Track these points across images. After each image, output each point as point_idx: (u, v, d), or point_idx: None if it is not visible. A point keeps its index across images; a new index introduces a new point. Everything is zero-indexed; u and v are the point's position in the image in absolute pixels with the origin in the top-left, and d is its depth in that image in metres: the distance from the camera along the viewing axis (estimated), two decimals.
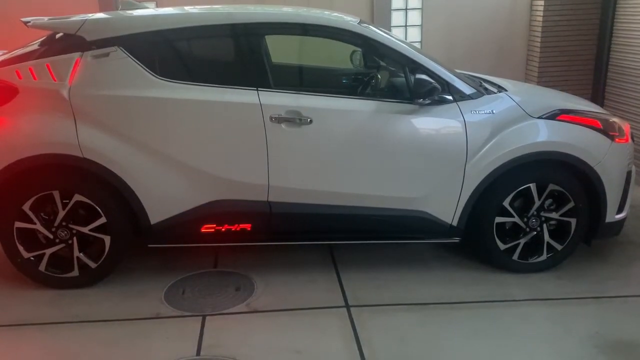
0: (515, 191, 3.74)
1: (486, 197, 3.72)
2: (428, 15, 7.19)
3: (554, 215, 3.83)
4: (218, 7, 4.07)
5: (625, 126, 3.99)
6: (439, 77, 3.64)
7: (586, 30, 6.89)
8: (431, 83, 3.59)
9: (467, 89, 3.69)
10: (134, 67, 3.48)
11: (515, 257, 3.87)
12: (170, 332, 3.31)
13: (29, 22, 3.55)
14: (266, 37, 3.88)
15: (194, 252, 4.00)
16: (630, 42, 6.33)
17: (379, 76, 4.02)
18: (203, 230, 3.68)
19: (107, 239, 3.66)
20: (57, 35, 3.65)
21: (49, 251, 3.66)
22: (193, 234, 3.70)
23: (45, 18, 3.70)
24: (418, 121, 3.63)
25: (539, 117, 3.72)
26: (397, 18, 7.18)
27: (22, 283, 3.76)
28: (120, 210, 3.64)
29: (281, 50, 4.60)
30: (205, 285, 3.81)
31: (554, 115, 3.76)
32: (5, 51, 3.86)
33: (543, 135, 3.70)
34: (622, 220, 3.98)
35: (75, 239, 3.64)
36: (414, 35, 7.25)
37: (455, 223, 3.76)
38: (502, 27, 7.24)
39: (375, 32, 3.76)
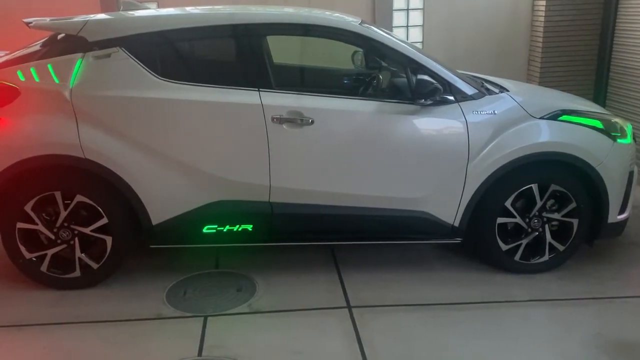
0: (517, 192, 3.73)
1: (488, 197, 3.71)
2: (429, 15, 7.18)
3: (556, 215, 3.82)
4: (219, 8, 4.07)
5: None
6: (441, 77, 3.64)
7: (588, 31, 6.88)
8: (433, 83, 3.58)
9: (468, 90, 3.69)
10: (136, 67, 3.48)
11: (517, 257, 3.87)
12: (172, 333, 3.31)
13: (31, 22, 3.55)
14: (268, 37, 3.89)
15: (196, 252, 4.00)
16: (632, 42, 6.32)
17: (381, 77, 4.01)
18: (205, 231, 3.68)
19: (109, 240, 3.66)
20: (59, 36, 3.66)
21: (50, 252, 3.66)
22: (195, 234, 3.70)
23: (47, 19, 3.71)
24: (420, 122, 3.62)
25: (540, 118, 3.72)
26: (398, 18, 7.18)
27: (24, 284, 3.76)
28: (122, 210, 3.64)
29: (283, 51, 4.59)
30: (206, 286, 3.81)
31: (555, 116, 3.75)
32: (7, 52, 3.87)
33: (545, 135, 3.70)
34: (624, 221, 3.98)
35: (77, 239, 3.64)
36: (416, 35, 7.24)
37: (457, 223, 3.76)
38: (504, 27, 7.23)
39: (377, 32, 3.75)
